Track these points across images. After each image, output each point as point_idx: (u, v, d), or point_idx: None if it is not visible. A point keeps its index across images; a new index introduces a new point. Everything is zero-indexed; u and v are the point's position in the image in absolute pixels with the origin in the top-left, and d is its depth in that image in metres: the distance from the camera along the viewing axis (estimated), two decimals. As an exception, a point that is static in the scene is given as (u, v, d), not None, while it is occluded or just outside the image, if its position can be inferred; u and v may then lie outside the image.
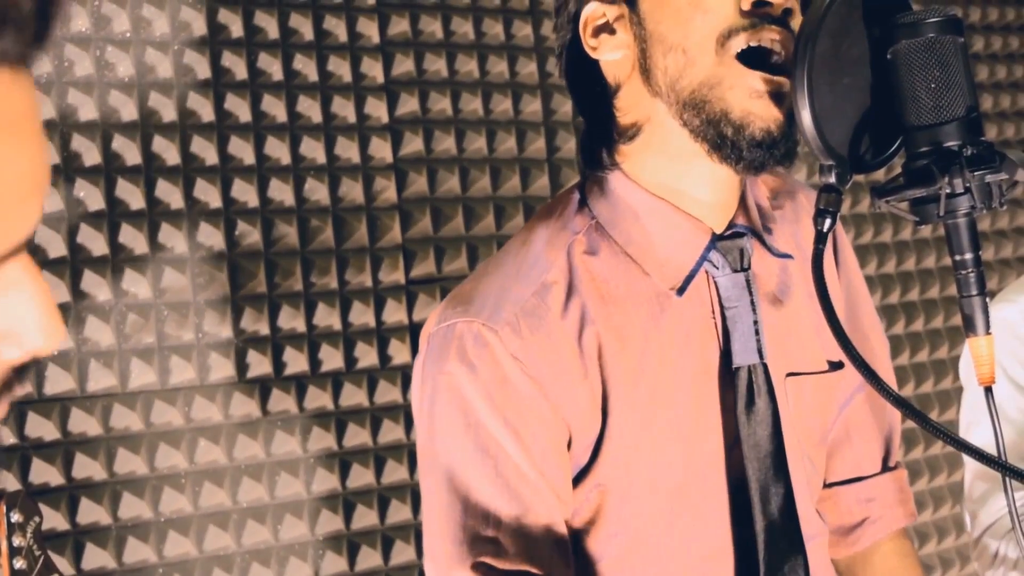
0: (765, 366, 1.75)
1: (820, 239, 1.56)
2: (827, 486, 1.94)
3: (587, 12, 1.72)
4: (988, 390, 1.54)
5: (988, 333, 1.53)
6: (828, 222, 1.56)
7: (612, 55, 1.71)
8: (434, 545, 1.72)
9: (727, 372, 1.74)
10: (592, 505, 1.73)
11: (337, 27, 2.98)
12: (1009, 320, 2.54)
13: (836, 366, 1.86)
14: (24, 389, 0.84)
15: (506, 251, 1.77)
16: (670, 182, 1.72)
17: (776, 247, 1.79)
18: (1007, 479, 1.52)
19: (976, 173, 1.49)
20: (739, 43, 1.62)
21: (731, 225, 1.75)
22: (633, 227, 1.73)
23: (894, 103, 1.54)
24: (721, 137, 1.63)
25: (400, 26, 3.06)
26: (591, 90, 1.76)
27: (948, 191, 1.49)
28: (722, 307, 1.74)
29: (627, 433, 1.70)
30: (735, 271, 1.74)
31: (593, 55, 1.73)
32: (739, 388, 1.74)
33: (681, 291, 1.72)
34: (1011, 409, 2.53)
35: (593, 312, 1.70)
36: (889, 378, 1.98)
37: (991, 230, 4.05)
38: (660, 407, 1.71)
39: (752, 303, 1.75)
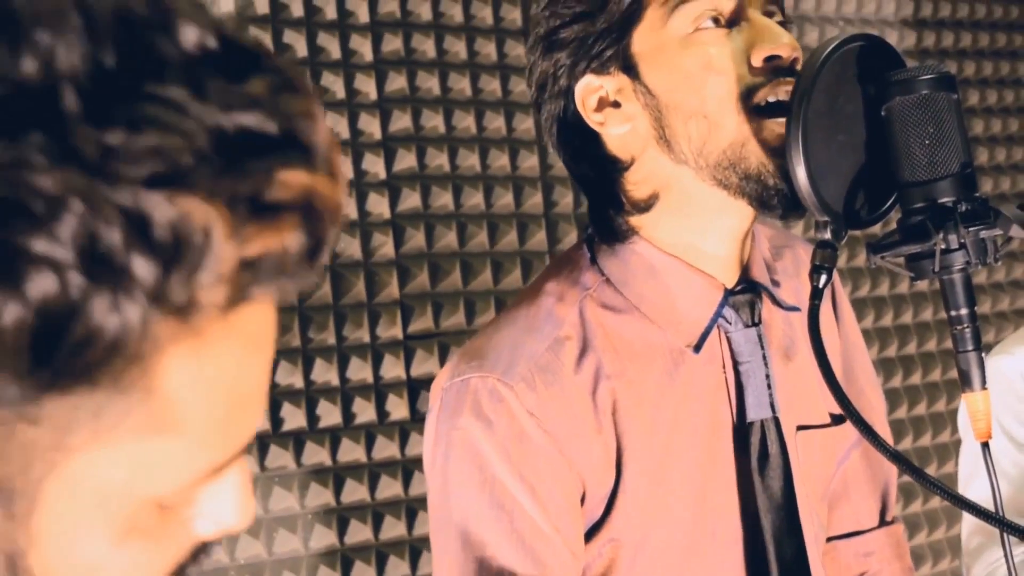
0: (777, 420, 1.75)
1: (816, 295, 1.57)
2: (827, 540, 1.94)
3: (582, 86, 1.70)
4: (985, 445, 1.55)
5: (984, 388, 1.53)
6: (824, 278, 1.57)
7: (620, 129, 1.70)
8: None
9: (740, 427, 1.74)
10: (605, 560, 1.72)
11: (335, 84, 2.99)
12: (1007, 374, 2.54)
13: (838, 419, 1.87)
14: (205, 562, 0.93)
15: (516, 306, 1.77)
16: (685, 240, 1.72)
17: (784, 300, 1.80)
18: (1004, 534, 1.52)
19: (971, 229, 1.50)
20: (759, 100, 1.62)
21: (742, 280, 1.75)
22: (646, 285, 1.73)
23: (889, 159, 1.55)
24: (765, 188, 1.63)
25: (398, 83, 3.07)
26: (596, 164, 1.74)
27: (943, 247, 1.50)
28: (735, 362, 1.74)
29: (641, 488, 1.70)
30: (747, 326, 1.74)
31: (600, 130, 1.71)
32: (752, 443, 1.74)
33: (698, 348, 1.72)
34: (1007, 464, 2.53)
35: (608, 367, 1.70)
36: (885, 433, 1.98)
37: (988, 283, 4.05)
38: (674, 462, 1.71)
39: (764, 357, 1.75)
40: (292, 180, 0.76)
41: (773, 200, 1.63)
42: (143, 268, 0.71)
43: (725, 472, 1.74)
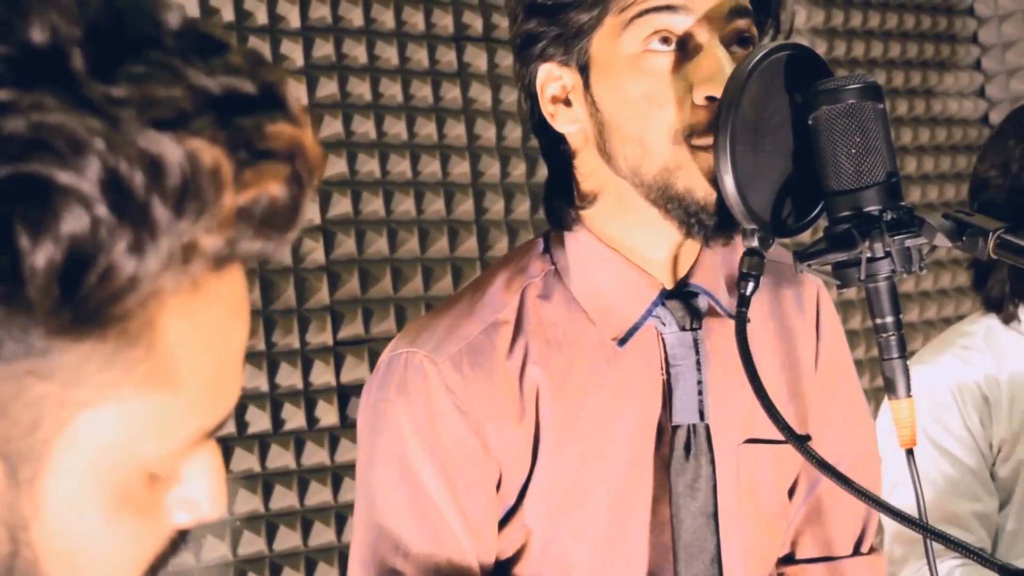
0: (707, 428, 1.74)
1: (743, 302, 1.58)
2: (796, 562, 1.92)
3: (543, 74, 1.70)
4: (910, 452, 1.56)
5: (909, 396, 1.54)
6: (751, 285, 1.58)
7: (567, 128, 1.70)
8: (352, 563, 1.74)
9: (661, 431, 1.74)
10: (516, 546, 1.73)
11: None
12: (928, 383, 2.57)
13: (802, 439, 1.80)
14: (183, 552, 0.95)
15: (466, 290, 1.79)
16: (625, 238, 1.72)
17: (729, 308, 1.76)
18: (928, 541, 1.53)
19: (896, 237, 1.51)
20: (698, 142, 1.60)
21: (684, 283, 1.75)
22: (586, 276, 1.73)
23: (815, 168, 1.56)
24: (688, 214, 1.62)
25: (329, 88, 3.06)
26: (554, 147, 1.76)
27: (869, 255, 1.51)
28: (667, 364, 1.74)
29: (555, 479, 1.70)
30: (682, 329, 1.74)
31: (551, 121, 1.71)
32: (676, 446, 1.73)
33: (623, 342, 1.71)
34: (933, 471, 2.55)
35: (537, 355, 1.71)
36: (870, 460, 1.96)
37: (916, 291, 4.09)
38: (595, 456, 1.71)
39: (698, 363, 1.75)
40: (280, 132, 0.82)
41: (694, 228, 1.63)
42: (160, 209, 0.76)
43: (644, 473, 1.74)
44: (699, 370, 1.73)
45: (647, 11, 1.60)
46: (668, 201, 1.63)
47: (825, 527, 1.91)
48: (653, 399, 1.73)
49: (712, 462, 1.73)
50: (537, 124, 1.76)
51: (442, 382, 1.67)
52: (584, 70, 1.66)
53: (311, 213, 2.99)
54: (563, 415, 1.70)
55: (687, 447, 1.73)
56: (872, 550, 1.95)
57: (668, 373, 1.73)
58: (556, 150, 1.75)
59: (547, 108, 1.70)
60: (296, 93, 0.87)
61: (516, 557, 1.74)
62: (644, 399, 1.73)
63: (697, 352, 1.73)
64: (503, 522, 1.72)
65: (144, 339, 0.80)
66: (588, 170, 1.72)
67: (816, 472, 1.85)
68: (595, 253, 1.73)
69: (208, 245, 0.80)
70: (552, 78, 1.69)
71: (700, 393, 1.73)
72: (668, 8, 1.60)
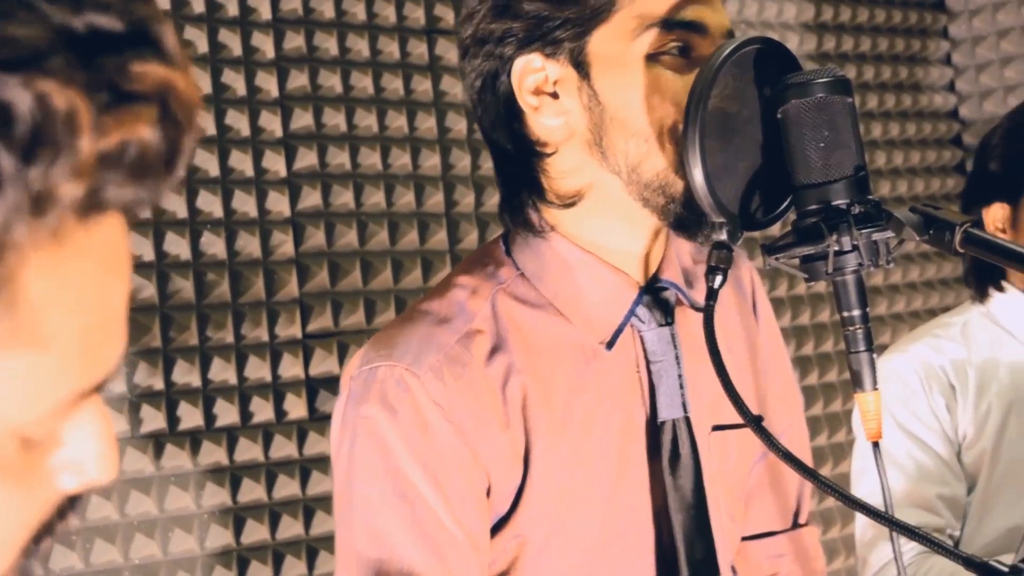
0: (688, 420, 1.75)
1: (711, 295, 1.58)
2: (741, 540, 1.94)
3: (524, 63, 1.67)
4: (876, 445, 1.56)
5: (875, 389, 1.55)
6: (719, 279, 1.58)
7: (552, 120, 1.68)
8: None
9: (652, 427, 1.74)
10: (510, 556, 1.72)
11: (236, 81, 2.97)
12: (899, 370, 2.62)
13: (757, 419, 1.85)
14: (75, 520, 0.90)
15: (431, 298, 1.75)
16: (602, 237, 1.72)
17: (696, 301, 1.79)
18: (893, 532, 1.54)
19: (864, 231, 1.51)
20: None
21: (656, 279, 1.75)
22: (561, 280, 1.72)
23: (784, 162, 1.56)
24: (691, 211, 1.63)
25: (299, 80, 3.06)
26: (516, 141, 1.72)
27: (836, 249, 1.51)
28: (647, 361, 1.74)
29: (549, 485, 1.69)
30: (660, 325, 1.75)
31: (530, 113, 1.68)
32: (664, 443, 1.74)
33: (610, 345, 1.71)
34: (903, 457, 2.59)
35: (520, 362, 1.69)
36: (803, 432, 2.01)
37: (885, 285, 4.10)
38: (584, 460, 1.71)
39: (677, 357, 1.75)
40: (148, 72, 0.77)
41: (693, 228, 1.64)
42: (5, 157, 0.70)
43: (637, 472, 1.74)
44: (678, 364, 1.75)
45: (679, 24, 1.63)
46: (669, 200, 1.63)
47: (766, 504, 1.94)
48: (634, 398, 1.73)
49: (696, 453, 1.75)
50: (498, 120, 1.72)
51: (427, 394, 1.64)
52: (580, 65, 1.65)
53: (281, 206, 2.99)
54: (552, 420, 1.69)
55: (674, 442, 1.74)
56: (808, 522, 2.00)
57: (649, 370, 1.73)
58: (522, 148, 1.71)
59: (529, 101, 1.67)
60: (171, 32, 0.80)
61: (509, 570, 1.72)
62: (626, 398, 1.73)
63: (675, 346, 1.74)
64: (494, 532, 1.71)
65: (4, 297, 0.74)
66: (569, 167, 1.69)
67: (759, 453, 1.88)
68: (569, 256, 1.72)
69: (66, 193, 0.74)
70: (531, 70, 1.67)
71: (682, 387, 1.75)
72: (696, 27, 1.63)
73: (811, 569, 1.99)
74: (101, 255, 0.80)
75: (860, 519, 2.69)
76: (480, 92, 1.72)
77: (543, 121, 1.68)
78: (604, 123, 1.64)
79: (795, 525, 1.98)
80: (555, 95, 1.67)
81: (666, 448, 1.74)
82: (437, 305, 1.72)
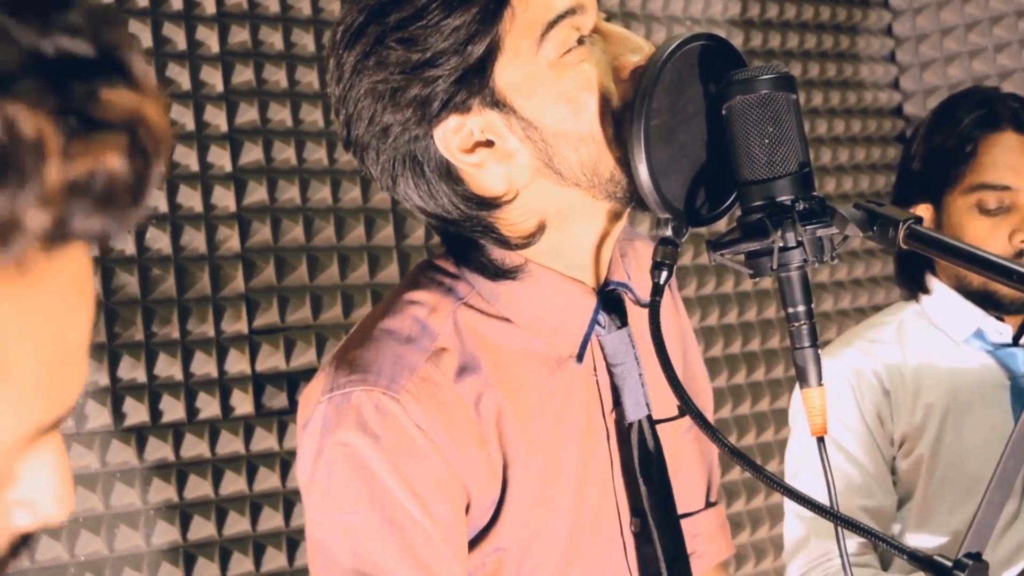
0: (651, 417, 1.76)
1: (657, 291, 1.58)
2: None
3: (444, 130, 1.60)
4: (820, 440, 1.57)
5: (820, 384, 1.56)
6: (665, 274, 1.59)
7: (499, 167, 1.62)
8: None
9: (621, 429, 1.75)
10: (489, 569, 1.70)
11: (180, 75, 2.96)
12: (828, 375, 2.61)
13: (702, 414, 1.85)
14: (24, 559, 0.87)
15: (387, 316, 1.69)
16: (560, 251, 1.70)
17: (641, 298, 1.79)
18: (839, 529, 1.55)
19: (808, 227, 1.52)
20: None
21: (608, 282, 1.75)
22: (519, 299, 1.70)
23: (729, 158, 1.57)
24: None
25: (245, 75, 3.05)
26: (468, 204, 1.65)
27: (781, 245, 1.52)
28: (608, 365, 1.74)
29: (527, 497, 1.69)
30: (619, 328, 1.75)
31: (475, 171, 1.62)
32: (634, 443, 1.74)
33: (580, 357, 1.71)
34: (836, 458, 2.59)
35: (491, 378, 1.66)
36: (710, 409, 2.07)
37: (831, 281, 4.12)
38: (555, 468, 1.71)
39: (636, 357, 1.76)
40: (117, 100, 0.75)
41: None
42: None
43: (600, 475, 1.74)
44: (638, 363, 1.75)
45: (560, 17, 1.59)
46: (629, 184, 1.62)
47: (683, 486, 1.95)
48: (593, 402, 1.74)
49: (660, 449, 1.76)
50: (436, 192, 1.66)
51: (409, 418, 1.59)
52: (497, 104, 1.59)
53: (227, 201, 2.97)
54: (526, 432, 1.68)
55: (642, 441, 1.75)
56: (717, 500, 2.06)
57: (611, 373, 1.74)
58: (474, 206, 1.65)
59: (468, 161, 1.61)
60: (141, 58, 0.78)
61: None
62: (587, 404, 1.73)
63: (633, 346, 1.75)
64: (473, 546, 1.69)
65: None
66: (528, 207, 1.65)
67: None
68: (525, 275, 1.70)
69: (32, 222, 0.72)
70: (454, 132, 1.60)
71: (643, 386, 1.75)
72: (573, 11, 1.60)
73: (725, 542, 2.05)
74: (65, 287, 0.78)
75: (788, 528, 2.69)
76: (399, 177, 1.67)
77: (490, 172, 1.63)
78: (548, 143, 1.61)
79: (708, 504, 2.03)
80: (489, 143, 1.62)
81: (636, 449, 1.74)
82: (398, 323, 1.68)
